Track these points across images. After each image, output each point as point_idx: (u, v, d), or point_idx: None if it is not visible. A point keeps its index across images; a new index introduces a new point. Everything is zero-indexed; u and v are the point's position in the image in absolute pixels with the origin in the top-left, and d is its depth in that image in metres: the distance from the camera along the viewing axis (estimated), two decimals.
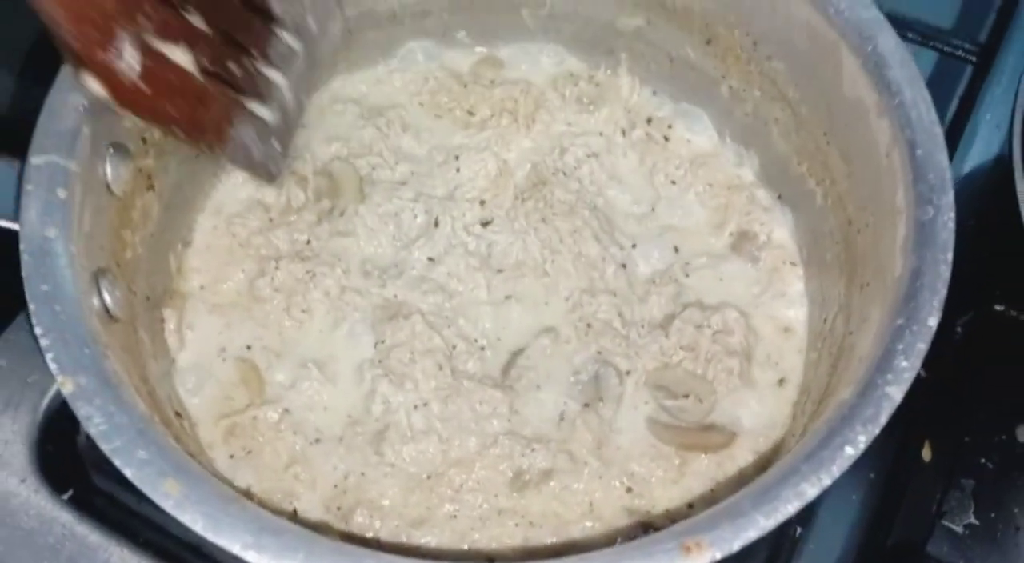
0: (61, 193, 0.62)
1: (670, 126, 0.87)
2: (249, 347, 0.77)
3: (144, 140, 0.71)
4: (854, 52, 0.66)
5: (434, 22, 0.87)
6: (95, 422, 0.54)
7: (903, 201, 0.61)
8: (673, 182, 0.84)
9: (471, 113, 0.87)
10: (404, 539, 0.69)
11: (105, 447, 0.54)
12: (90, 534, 0.74)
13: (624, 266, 0.80)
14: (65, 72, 0.65)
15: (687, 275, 0.80)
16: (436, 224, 0.81)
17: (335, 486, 0.72)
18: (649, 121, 0.87)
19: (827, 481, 0.52)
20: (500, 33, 0.89)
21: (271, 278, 0.79)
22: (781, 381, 0.75)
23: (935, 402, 0.81)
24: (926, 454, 0.81)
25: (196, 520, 0.52)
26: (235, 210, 0.82)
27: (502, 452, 0.72)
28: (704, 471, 0.72)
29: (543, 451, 0.72)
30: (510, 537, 0.70)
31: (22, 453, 0.80)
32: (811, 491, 0.52)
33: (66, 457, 0.79)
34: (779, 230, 0.81)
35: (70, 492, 0.77)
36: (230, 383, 0.76)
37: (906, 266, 0.59)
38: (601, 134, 0.87)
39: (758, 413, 0.74)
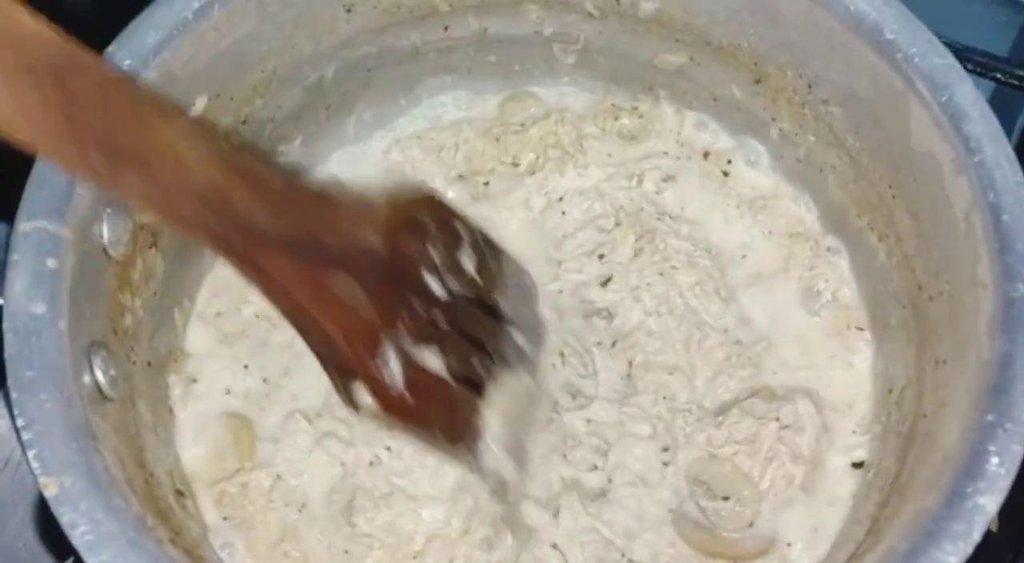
0: (51, 263, 0.56)
1: (730, 161, 0.79)
2: (255, 369, 0.72)
3: None
4: (925, 103, 0.59)
5: (460, 58, 0.81)
6: (80, 531, 0.49)
7: (988, 274, 0.54)
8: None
9: (515, 164, 0.80)
10: None
11: (91, 561, 0.48)
12: None
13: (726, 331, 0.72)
14: None
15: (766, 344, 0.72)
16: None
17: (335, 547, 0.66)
18: (706, 156, 0.80)
19: None
20: (529, 70, 0.83)
21: None
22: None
23: None
24: (993, 525, 0.75)
25: None
26: None
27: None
28: None
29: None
30: None
31: (21, 515, 0.75)
32: None
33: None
34: (846, 288, 0.73)
35: (71, 559, 0.67)
36: (224, 442, 0.70)
37: (994, 350, 0.52)
38: (666, 153, 0.80)
39: (806, 517, 0.66)
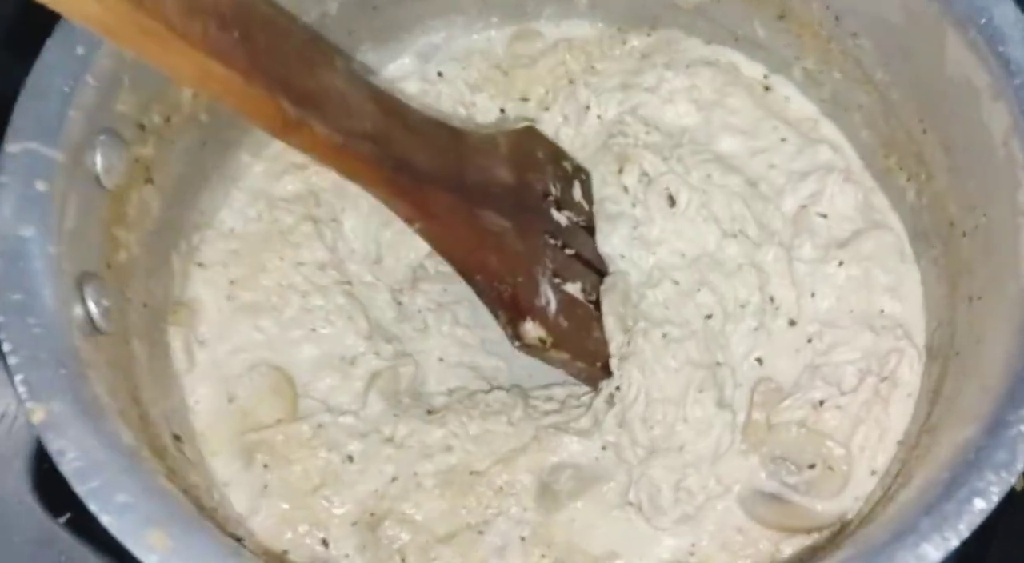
0: (41, 186, 0.53)
1: (766, 76, 0.75)
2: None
3: (142, 126, 0.62)
4: (962, 27, 0.57)
5: None
6: (68, 458, 0.46)
7: None
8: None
9: (524, 99, 0.77)
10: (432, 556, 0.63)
11: (79, 488, 0.46)
12: (89, 559, 0.69)
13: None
14: (51, 47, 0.57)
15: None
16: None
17: (376, 491, 0.65)
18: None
19: (954, 542, 0.43)
20: (540, 9, 0.79)
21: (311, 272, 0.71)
22: None
23: None
24: (1018, 484, 0.73)
25: None
26: (281, 195, 0.74)
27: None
28: None
29: None
30: None
31: (17, 471, 0.74)
32: (934, 554, 0.43)
33: (64, 477, 0.73)
34: None
35: (68, 515, 0.71)
36: (256, 396, 0.68)
37: None
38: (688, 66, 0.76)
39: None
